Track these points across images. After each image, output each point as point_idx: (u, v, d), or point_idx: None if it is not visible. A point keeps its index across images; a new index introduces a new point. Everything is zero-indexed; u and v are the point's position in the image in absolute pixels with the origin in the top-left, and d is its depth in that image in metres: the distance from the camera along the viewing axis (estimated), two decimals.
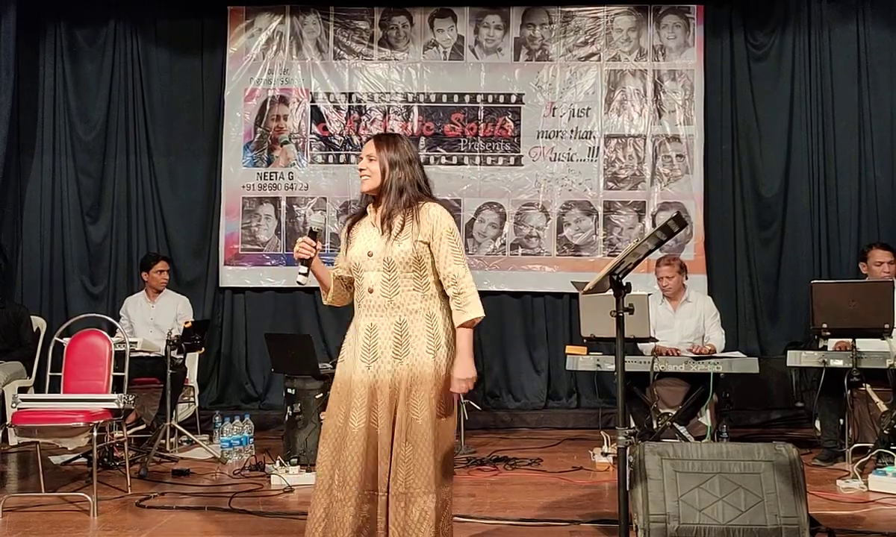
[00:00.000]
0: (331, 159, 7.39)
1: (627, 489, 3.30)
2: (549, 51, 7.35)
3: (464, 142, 7.34)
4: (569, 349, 5.81)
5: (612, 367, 5.23)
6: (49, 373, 5.12)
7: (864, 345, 5.21)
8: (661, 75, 7.29)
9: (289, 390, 5.52)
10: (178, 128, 7.44)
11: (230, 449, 5.64)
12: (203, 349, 6.32)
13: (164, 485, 4.95)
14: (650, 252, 3.44)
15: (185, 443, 5.97)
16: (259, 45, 7.41)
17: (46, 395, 5.15)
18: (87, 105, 7.40)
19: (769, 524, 3.36)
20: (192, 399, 6.52)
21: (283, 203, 7.37)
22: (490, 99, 7.34)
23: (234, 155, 7.38)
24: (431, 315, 3.01)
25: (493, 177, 7.31)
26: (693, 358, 5.54)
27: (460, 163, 7.32)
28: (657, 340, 5.60)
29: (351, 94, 7.39)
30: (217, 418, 5.92)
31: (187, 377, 6.36)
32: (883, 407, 5.16)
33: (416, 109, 7.37)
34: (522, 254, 7.30)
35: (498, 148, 7.32)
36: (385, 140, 3.11)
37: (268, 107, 7.40)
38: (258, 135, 7.40)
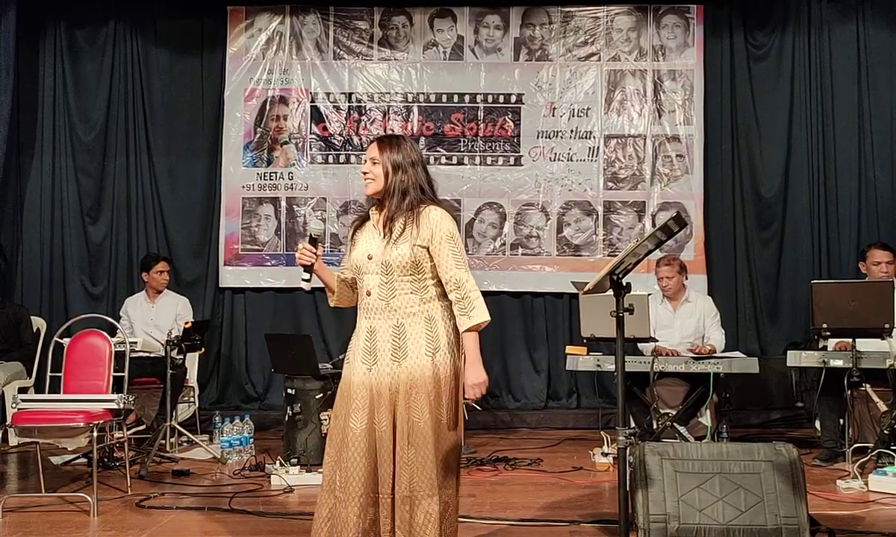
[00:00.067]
0: (331, 159, 7.39)
1: (627, 489, 3.31)
2: (549, 51, 7.35)
3: (464, 142, 7.34)
4: (569, 349, 5.81)
5: (612, 367, 5.22)
6: (49, 374, 5.12)
7: (863, 345, 5.21)
8: (661, 75, 7.29)
9: (289, 390, 5.52)
10: (177, 128, 7.44)
11: (230, 450, 5.64)
12: (203, 349, 6.32)
13: (164, 486, 4.95)
14: (650, 252, 3.44)
15: (185, 444, 5.97)
16: (259, 45, 7.41)
17: (46, 396, 5.15)
18: (86, 105, 7.40)
19: (769, 524, 3.36)
20: (192, 399, 6.52)
21: (283, 203, 7.37)
22: (490, 99, 7.34)
23: (234, 155, 7.38)
24: (430, 318, 3.00)
25: (492, 177, 7.31)
26: (693, 358, 5.54)
27: (460, 163, 7.32)
28: (657, 340, 5.61)
29: (351, 94, 7.39)
30: (217, 418, 5.92)
31: (187, 377, 6.36)
32: (883, 407, 5.16)
33: (415, 109, 7.37)
34: (522, 254, 7.30)
35: (498, 148, 7.32)
36: (388, 142, 3.09)
37: (268, 107, 7.40)
38: (258, 135, 7.40)
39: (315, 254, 3.09)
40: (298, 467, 5.07)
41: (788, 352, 5.58)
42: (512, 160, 7.31)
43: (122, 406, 4.68)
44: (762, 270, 7.24)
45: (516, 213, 7.29)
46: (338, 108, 7.40)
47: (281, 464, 5.06)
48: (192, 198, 7.43)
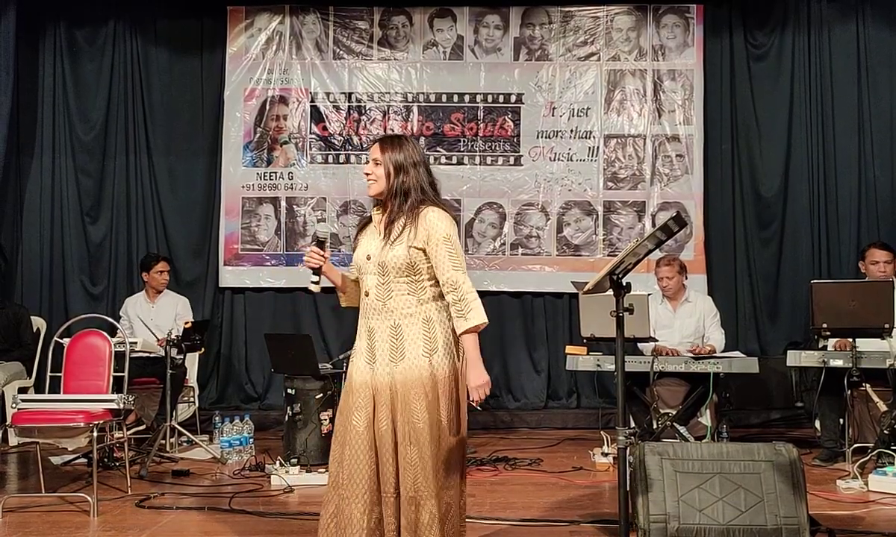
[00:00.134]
0: (330, 159, 7.39)
1: (627, 489, 3.31)
2: (549, 50, 7.35)
3: (463, 141, 7.34)
4: (569, 349, 5.80)
5: (612, 367, 5.22)
6: (49, 374, 5.12)
7: (863, 344, 5.21)
8: (661, 75, 7.28)
9: (289, 390, 5.53)
10: (177, 128, 7.44)
11: (230, 450, 5.64)
12: (203, 349, 6.32)
13: (164, 486, 4.95)
14: (650, 252, 3.44)
15: (185, 444, 5.97)
16: (259, 45, 7.41)
17: (46, 396, 5.15)
18: (86, 105, 7.39)
19: (769, 524, 3.36)
20: (191, 399, 6.52)
21: (283, 203, 7.37)
22: (490, 99, 7.34)
23: (234, 155, 7.38)
24: (428, 319, 3.00)
25: (492, 177, 7.31)
26: (693, 358, 5.54)
27: (460, 162, 7.32)
28: (657, 340, 5.61)
29: (350, 93, 7.39)
30: (217, 418, 5.92)
31: (187, 377, 6.36)
32: (883, 407, 5.16)
33: (415, 109, 7.37)
34: (522, 254, 7.30)
35: (498, 148, 7.32)
36: (390, 143, 3.09)
37: (267, 107, 7.40)
38: (258, 135, 7.40)
39: (323, 256, 3.09)
40: (298, 467, 5.07)
41: (788, 351, 5.59)
42: (512, 160, 7.31)
43: (122, 406, 4.68)
44: (762, 270, 7.24)
45: (516, 213, 7.29)
46: (338, 108, 7.40)
47: (281, 464, 5.06)
48: (192, 198, 7.43)
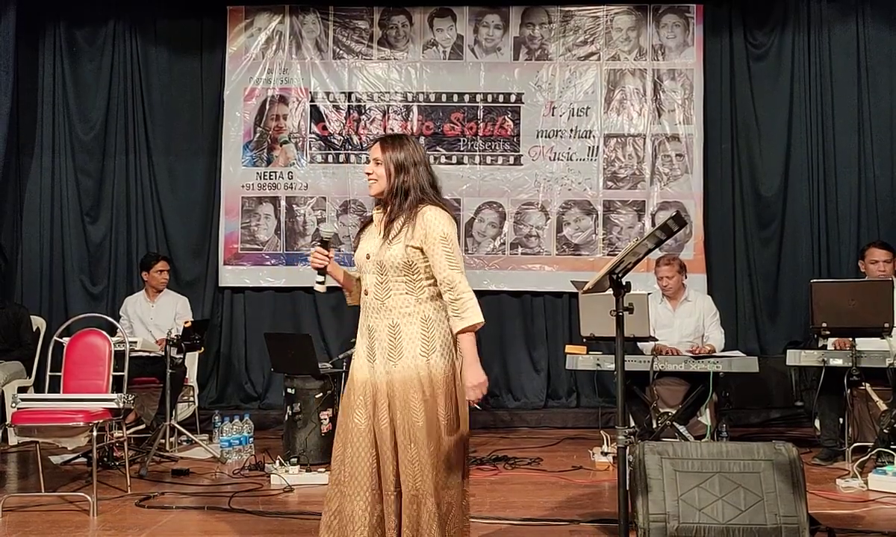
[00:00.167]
0: (330, 159, 7.39)
1: (627, 488, 3.31)
2: (549, 50, 7.35)
3: (463, 141, 7.34)
4: (568, 348, 5.81)
5: (612, 367, 5.21)
6: (49, 373, 5.13)
7: (863, 344, 5.20)
8: (661, 74, 7.29)
9: (288, 390, 5.52)
10: (177, 128, 7.44)
11: (230, 449, 5.64)
12: (203, 349, 6.32)
13: (163, 485, 4.95)
14: (650, 251, 3.44)
15: (184, 443, 5.97)
16: (258, 45, 7.41)
17: (46, 395, 5.14)
18: (86, 105, 7.39)
19: (769, 523, 3.36)
20: (191, 398, 6.52)
21: (283, 202, 7.37)
22: (489, 98, 7.34)
23: (234, 154, 7.38)
24: (427, 318, 3.00)
25: (492, 177, 7.31)
26: (693, 357, 5.54)
27: (460, 162, 7.32)
28: (657, 339, 5.61)
29: (350, 93, 7.39)
30: (217, 418, 5.92)
31: (187, 377, 6.36)
32: (883, 407, 5.16)
33: (415, 109, 7.37)
34: (522, 254, 7.30)
35: (497, 147, 7.32)
36: (391, 142, 3.09)
37: (267, 106, 7.40)
38: (258, 134, 7.40)
39: (327, 256, 3.10)
40: (298, 467, 5.07)
41: (788, 351, 5.58)
42: (511, 159, 7.31)
43: (121, 405, 4.68)
44: (762, 269, 7.24)
45: (516, 213, 7.29)
46: (337, 108, 7.40)
47: (280, 464, 5.06)
48: (192, 198, 7.43)
